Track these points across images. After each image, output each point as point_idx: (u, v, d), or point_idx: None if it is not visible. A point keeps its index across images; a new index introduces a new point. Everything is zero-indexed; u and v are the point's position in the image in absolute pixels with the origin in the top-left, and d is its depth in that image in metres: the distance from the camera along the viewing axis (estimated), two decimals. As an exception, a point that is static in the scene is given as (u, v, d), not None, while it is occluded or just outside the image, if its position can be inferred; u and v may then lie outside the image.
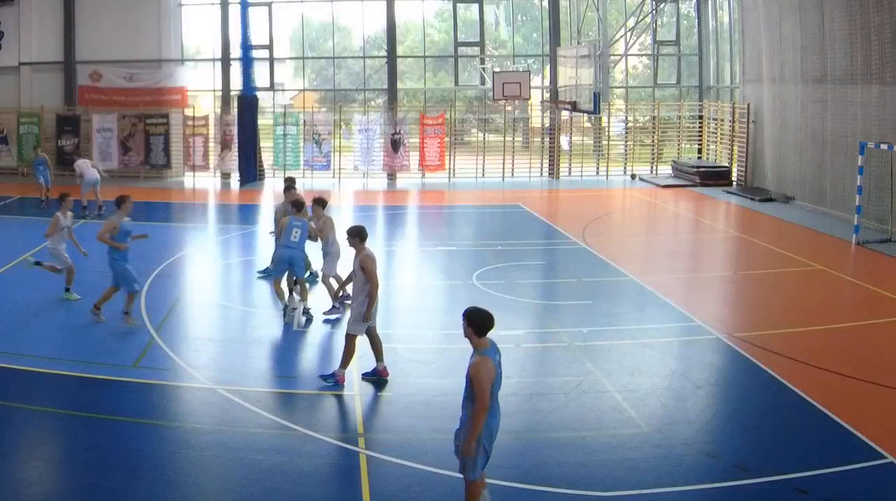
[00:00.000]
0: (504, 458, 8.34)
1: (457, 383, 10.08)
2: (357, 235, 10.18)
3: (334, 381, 9.94)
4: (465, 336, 6.64)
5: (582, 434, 8.80)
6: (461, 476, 6.73)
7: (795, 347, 11.34)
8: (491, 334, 6.61)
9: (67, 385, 9.91)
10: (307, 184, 28.29)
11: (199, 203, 25.80)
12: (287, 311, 12.35)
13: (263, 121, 28.37)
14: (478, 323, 6.53)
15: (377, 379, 10.11)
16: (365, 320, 9.88)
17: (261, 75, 28.02)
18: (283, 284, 12.80)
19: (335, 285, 12.71)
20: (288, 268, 12.72)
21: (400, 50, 31.00)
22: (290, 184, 14.69)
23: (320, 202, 13.27)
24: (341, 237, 11.50)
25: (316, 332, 12.24)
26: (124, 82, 28.89)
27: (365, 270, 9.86)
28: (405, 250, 18.37)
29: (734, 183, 27.58)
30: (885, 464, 7.95)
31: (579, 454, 8.35)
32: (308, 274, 13.79)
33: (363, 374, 10.20)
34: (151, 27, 28.84)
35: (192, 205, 25.17)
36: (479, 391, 6.33)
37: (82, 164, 21.73)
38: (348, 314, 10.61)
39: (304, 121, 28.85)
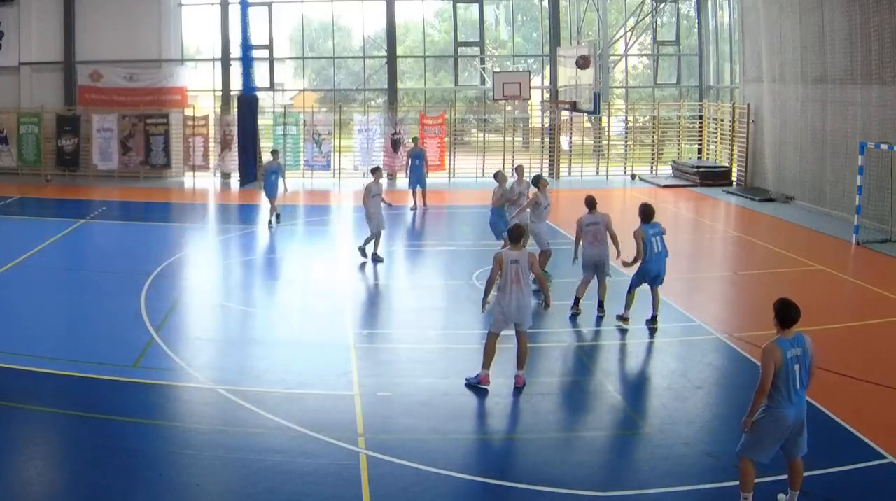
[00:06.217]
0: (504, 458, 8.38)
1: (457, 383, 10.19)
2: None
3: (477, 381, 9.91)
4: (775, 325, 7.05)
5: (582, 434, 8.79)
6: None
7: (795, 347, 11.30)
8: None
9: (67, 385, 9.90)
10: (307, 184, 28.32)
11: (199, 203, 25.80)
12: None
13: (263, 121, 28.32)
14: (781, 314, 6.88)
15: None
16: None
17: (261, 75, 27.99)
18: None
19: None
20: None
21: (400, 50, 31.00)
22: None
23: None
24: None
25: (317, 332, 12.23)
26: (124, 82, 28.88)
27: (532, 266, 9.79)
28: (405, 250, 18.37)
29: (734, 183, 27.55)
30: (885, 464, 7.94)
31: (579, 454, 8.35)
32: None
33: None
34: (151, 27, 28.83)
35: (191, 205, 25.17)
36: (761, 374, 6.79)
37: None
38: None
39: (304, 121, 28.85)
